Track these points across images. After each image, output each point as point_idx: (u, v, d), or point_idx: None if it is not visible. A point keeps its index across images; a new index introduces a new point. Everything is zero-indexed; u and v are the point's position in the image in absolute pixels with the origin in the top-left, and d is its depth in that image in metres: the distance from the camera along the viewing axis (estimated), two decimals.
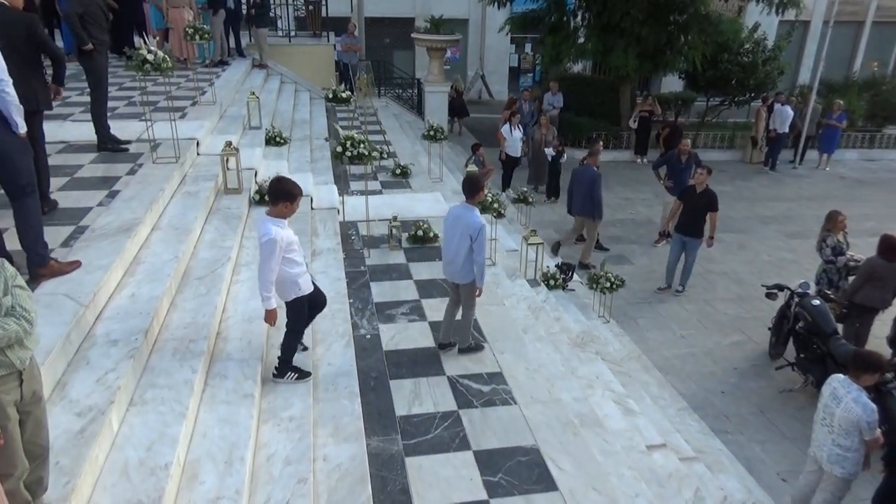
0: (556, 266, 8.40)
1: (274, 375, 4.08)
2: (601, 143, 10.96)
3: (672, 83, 20.50)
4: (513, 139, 12.34)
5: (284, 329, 4.08)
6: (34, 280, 3.78)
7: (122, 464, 2.93)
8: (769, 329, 7.54)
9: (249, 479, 3.20)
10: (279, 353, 4.10)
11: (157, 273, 4.40)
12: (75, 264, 4.00)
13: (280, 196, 3.82)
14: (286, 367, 4.09)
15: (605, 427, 4.75)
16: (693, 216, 8.60)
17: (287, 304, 4.02)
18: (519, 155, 12.70)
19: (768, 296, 7.29)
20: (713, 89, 16.49)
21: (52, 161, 6.02)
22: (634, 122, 15.04)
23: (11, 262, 3.66)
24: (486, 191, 6.72)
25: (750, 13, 18.03)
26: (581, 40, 15.55)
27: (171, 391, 3.44)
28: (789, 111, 15.13)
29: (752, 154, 16.25)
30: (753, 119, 16.46)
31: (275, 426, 3.69)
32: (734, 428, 6.20)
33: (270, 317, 3.88)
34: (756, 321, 8.17)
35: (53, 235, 4.30)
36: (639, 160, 15.59)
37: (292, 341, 4.10)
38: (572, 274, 8.45)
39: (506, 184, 12.44)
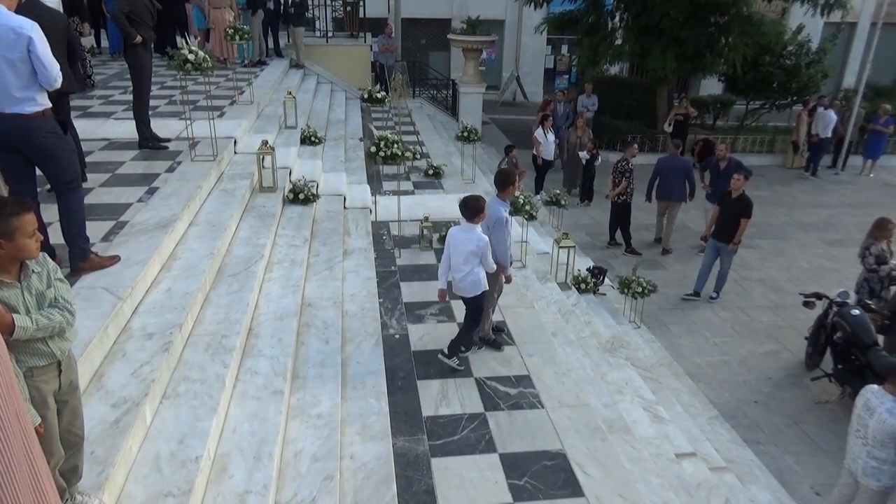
0: (588, 269, 8.34)
1: (443, 354, 4.94)
2: (636, 145, 10.85)
3: (711, 86, 20.16)
4: (547, 143, 12.27)
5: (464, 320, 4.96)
6: (75, 273, 3.89)
7: (154, 456, 3.01)
8: (806, 339, 7.37)
9: (277, 474, 3.25)
10: (455, 338, 4.93)
11: (193, 269, 4.49)
12: (115, 259, 4.11)
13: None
14: (456, 348, 4.93)
15: (633, 434, 4.70)
16: (728, 222, 8.45)
17: (477, 297, 4.82)
18: (552, 158, 12.63)
19: (806, 304, 7.13)
20: (754, 92, 16.15)
21: (94, 158, 6.23)
22: (670, 125, 14.83)
23: (54, 255, 3.80)
24: (518, 191, 6.73)
25: (794, 14, 17.59)
26: (618, 42, 15.39)
27: (203, 385, 3.51)
28: (832, 115, 14.73)
29: (793, 159, 15.88)
30: (795, 123, 16.08)
31: (303, 423, 3.74)
32: (767, 439, 6.08)
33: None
34: (792, 330, 7.98)
35: (94, 230, 4.42)
36: None
37: (472, 330, 4.99)
38: (603, 278, 8.38)
39: (539, 187, 12.38)
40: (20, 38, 3.44)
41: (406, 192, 8.39)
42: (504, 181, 5.24)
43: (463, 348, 5.07)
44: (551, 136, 12.34)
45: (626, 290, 7.54)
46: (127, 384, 3.23)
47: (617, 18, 15.59)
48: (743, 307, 8.65)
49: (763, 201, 13.26)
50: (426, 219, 7.13)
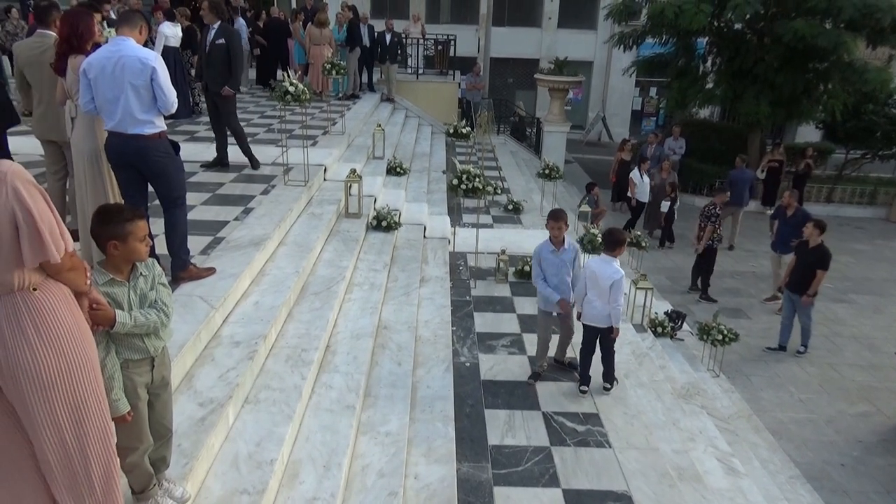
0: (666, 313, 8.14)
1: (605, 389, 5.21)
2: (728, 192, 10.62)
3: (808, 133, 19.41)
4: (642, 184, 12.20)
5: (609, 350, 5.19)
6: (175, 281, 4.22)
7: (233, 455, 3.20)
8: None
9: (344, 485, 3.37)
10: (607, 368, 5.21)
11: (280, 285, 4.76)
12: (211, 271, 4.42)
13: (618, 242, 5.04)
14: (612, 376, 5.24)
15: (704, 483, 4.53)
16: (803, 273, 8.06)
17: (606, 330, 5.09)
18: (647, 200, 12.48)
19: None
20: (854, 141, 15.42)
21: (197, 178, 6.72)
22: (763, 171, 14.36)
23: (158, 263, 4.13)
24: (597, 230, 6.73)
25: None
26: (710, 85, 15.15)
27: (281, 394, 3.70)
28: None
29: None
30: None
31: (372, 439, 3.86)
32: None
33: (618, 333, 5.14)
34: (889, 392, 7.48)
35: (195, 244, 4.78)
36: (767, 211, 14.81)
37: (614, 357, 5.24)
38: (682, 323, 8.16)
39: (629, 227, 12.22)
40: (145, 68, 3.83)
41: (485, 226, 8.53)
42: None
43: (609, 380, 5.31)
44: (647, 178, 12.26)
45: (705, 337, 7.31)
46: (214, 386, 3.46)
47: (709, 62, 15.38)
48: (833, 364, 8.19)
49: (862, 255, 12.58)
50: (503, 252, 7.22)
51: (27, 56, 4.77)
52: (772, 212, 10.76)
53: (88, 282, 2.10)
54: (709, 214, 9.93)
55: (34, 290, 1.86)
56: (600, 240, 6.68)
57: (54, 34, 4.55)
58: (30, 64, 4.76)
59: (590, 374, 5.25)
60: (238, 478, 3.05)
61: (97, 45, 4.10)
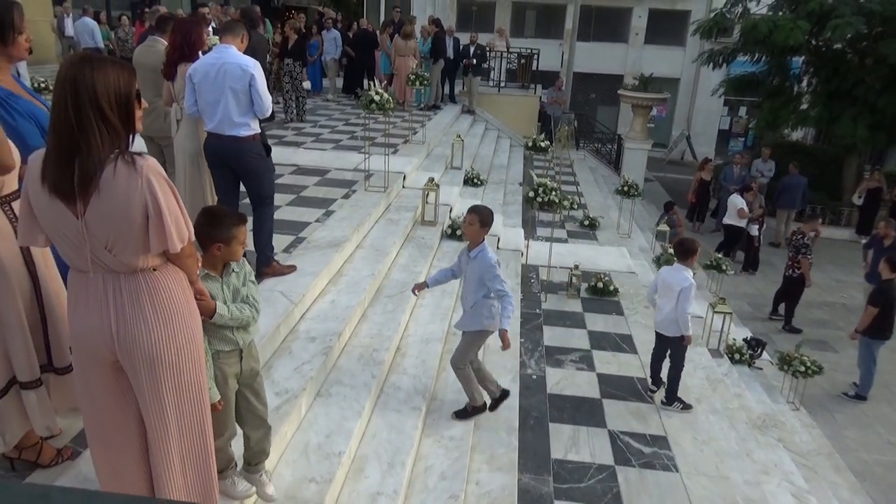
0: (745, 340, 7.85)
1: (663, 403, 5.14)
2: (820, 219, 10.16)
3: None
4: (744, 208, 11.74)
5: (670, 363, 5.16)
6: (259, 276, 4.43)
7: (303, 444, 3.34)
8: None
9: (407, 483, 3.45)
10: (669, 384, 5.14)
11: (355, 286, 4.92)
12: (292, 268, 4.63)
13: (689, 251, 5.05)
14: (674, 396, 5.12)
15: None
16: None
17: (676, 339, 5.08)
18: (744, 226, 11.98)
19: None
20: None
21: (284, 181, 7.02)
22: (860, 197, 13.60)
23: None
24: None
25: None
26: (804, 106, 14.52)
27: (352, 390, 3.83)
28: None
29: None
30: None
31: (435, 442, 3.92)
32: None
33: (689, 340, 5.08)
34: None
35: (278, 242, 5.01)
36: (861, 240, 13.99)
37: (680, 374, 5.12)
38: (762, 351, 7.84)
39: (721, 249, 11.77)
40: (245, 74, 4.08)
41: (559, 240, 8.48)
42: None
43: (669, 397, 5.23)
44: (742, 201, 11.79)
45: (786, 368, 6.99)
46: (289, 378, 3.63)
47: (804, 82, 14.74)
48: None
49: None
50: (576, 267, 7.17)
51: (136, 58, 5.17)
52: (866, 241, 10.18)
53: (198, 272, 2.27)
54: (798, 245, 9.50)
55: (154, 269, 2.03)
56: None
57: (165, 41, 4.91)
58: (138, 65, 5.15)
59: (661, 377, 5.32)
60: (307, 466, 3.18)
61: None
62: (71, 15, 13.07)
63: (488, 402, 4.26)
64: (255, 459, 2.80)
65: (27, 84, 2.88)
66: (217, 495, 2.36)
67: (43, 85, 6.51)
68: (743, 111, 22.21)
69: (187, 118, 4.34)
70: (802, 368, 6.84)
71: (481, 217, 4.02)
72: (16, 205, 2.34)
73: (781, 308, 9.83)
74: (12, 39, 2.54)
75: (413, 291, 4.37)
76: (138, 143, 2.11)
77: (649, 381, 5.41)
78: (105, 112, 1.86)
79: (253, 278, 2.77)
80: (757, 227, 11.36)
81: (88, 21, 12.60)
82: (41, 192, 1.91)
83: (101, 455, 2.23)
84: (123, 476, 2.21)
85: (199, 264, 2.27)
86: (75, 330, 2.07)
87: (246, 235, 2.63)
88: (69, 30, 12.95)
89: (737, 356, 7.26)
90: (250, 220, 4.43)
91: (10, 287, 2.32)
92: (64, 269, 2.18)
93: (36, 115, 2.61)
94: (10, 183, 2.35)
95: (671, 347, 5.20)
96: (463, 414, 4.18)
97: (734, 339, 7.48)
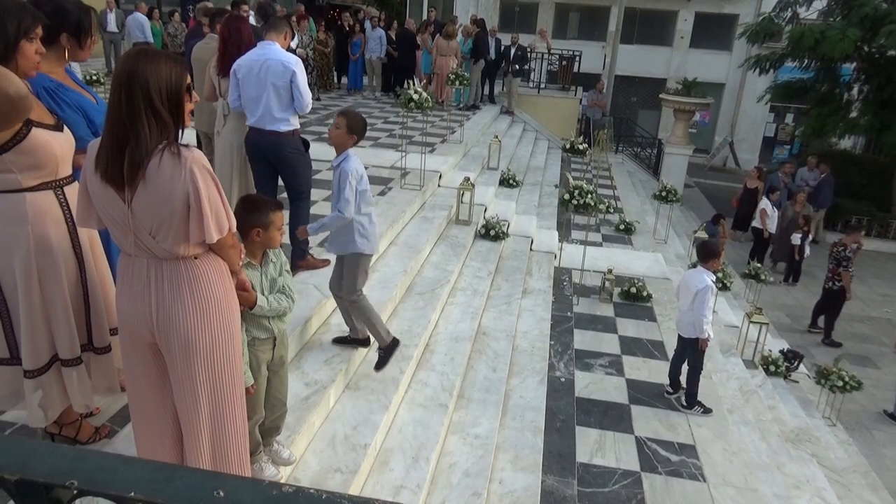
0: (781, 352, 7.69)
1: (683, 406, 5.15)
2: (863, 231, 9.88)
3: None
4: (774, 215, 11.59)
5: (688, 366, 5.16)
6: (293, 269, 4.52)
7: (331, 435, 3.40)
8: None
9: (430, 478, 3.49)
10: (687, 386, 5.14)
11: (388, 282, 4.98)
12: (326, 262, 4.71)
13: (711, 254, 5.09)
14: (693, 399, 5.11)
15: None
16: None
17: (691, 340, 5.09)
18: (775, 232, 11.81)
19: None
20: None
21: (320, 176, 7.12)
22: None
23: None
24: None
25: None
26: (854, 114, 14.11)
27: (380, 384, 3.89)
28: None
29: None
30: None
31: (461, 439, 3.96)
32: None
33: (705, 344, 5.05)
34: None
35: (312, 237, 5.09)
36: None
37: (698, 377, 5.10)
38: (798, 364, 7.67)
39: (752, 259, 11.60)
40: (287, 71, 4.17)
41: (593, 244, 8.43)
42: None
43: (689, 400, 5.22)
44: (776, 209, 11.65)
45: (823, 382, 6.83)
46: (319, 369, 3.70)
47: (855, 90, 14.33)
48: None
49: None
50: (610, 271, 7.12)
51: (195, 54, 5.32)
52: None
53: (241, 263, 2.34)
54: (839, 257, 9.25)
55: (195, 258, 2.11)
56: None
57: None
58: (196, 61, 5.30)
59: (679, 380, 5.32)
60: (333, 456, 3.25)
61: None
62: (114, 11, 13.38)
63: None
64: (267, 434, 2.90)
65: (78, 77, 3.00)
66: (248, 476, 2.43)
67: (95, 78, 6.75)
68: (790, 118, 21.68)
69: (234, 113, 4.45)
70: (840, 383, 6.67)
71: (349, 121, 3.62)
72: (67, 189, 2.45)
73: (821, 321, 9.59)
74: (88, 44, 2.69)
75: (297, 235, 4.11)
76: (187, 136, 2.19)
77: (667, 382, 5.40)
78: (155, 104, 1.94)
79: (288, 269, 2.85)
80: (800, 236, 11.10)
81: (140, 16, 12.95)
82: (95, 178, 2.00)
83: (141, 434, 2.32)
84: (159, 456, 2.29)
85: (242, 255, 2.34)
86: (121, 310, 2.16)
87: (283, 221, 2.70)
88: (111, 25, 13.27)
89: (772, 368, 7.12)
90: (285, 212, 4.56)
91: (58, 268, 2.43)
92: (115, 255, 2.27)
93: (83, 106, 2.73)
94: (64, 168, 2.46)
95: (687, 349, 5.20)
96: (381, 363, 3.97)
97: (770, 351, 7.34)
